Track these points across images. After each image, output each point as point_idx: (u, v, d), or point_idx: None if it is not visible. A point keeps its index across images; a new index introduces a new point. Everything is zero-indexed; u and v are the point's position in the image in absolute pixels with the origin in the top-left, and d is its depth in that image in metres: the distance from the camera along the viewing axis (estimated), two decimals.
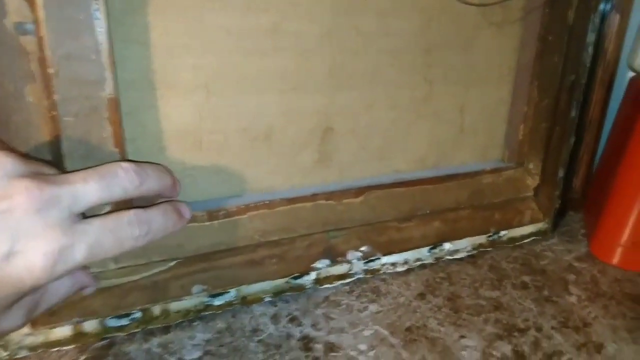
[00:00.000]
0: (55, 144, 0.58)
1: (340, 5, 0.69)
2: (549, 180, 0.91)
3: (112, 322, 0.70)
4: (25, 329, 0.65)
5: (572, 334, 0.74)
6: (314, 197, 0.74)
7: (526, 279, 0.88)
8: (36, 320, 0.64)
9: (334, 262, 0.80)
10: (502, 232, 0.93)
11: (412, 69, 0.77)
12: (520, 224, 0.93)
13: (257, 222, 0.71)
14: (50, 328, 0.66)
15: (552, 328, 0.75)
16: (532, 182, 0.90)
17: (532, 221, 0.93)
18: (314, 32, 0.68)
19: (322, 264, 0.79)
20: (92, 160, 0.60)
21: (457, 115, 0.84)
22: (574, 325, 0.76)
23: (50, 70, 0.55)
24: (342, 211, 0.76)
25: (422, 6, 0.74)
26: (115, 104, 0.59)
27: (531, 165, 0.89)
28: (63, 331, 0.67)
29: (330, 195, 0.75)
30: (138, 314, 0.71)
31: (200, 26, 0.63)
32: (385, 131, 0.79)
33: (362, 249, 0.81)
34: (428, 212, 0.82)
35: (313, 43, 0.69)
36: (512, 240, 0.95)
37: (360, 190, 0.77)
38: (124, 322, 0.71)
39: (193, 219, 0.68)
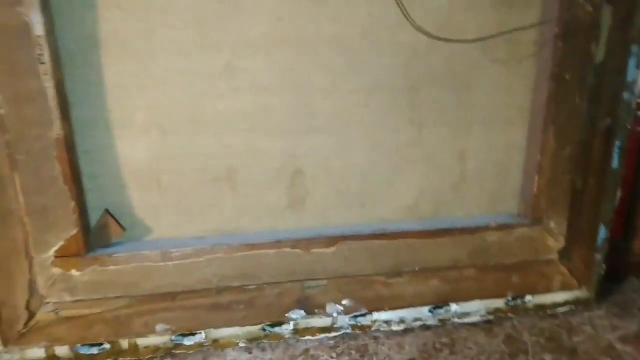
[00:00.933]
0: (12, 180, 0.58)
1: (303, 41, 0.61)
2: (583, 242, 0.71)
3: (83, 350, 0.67)
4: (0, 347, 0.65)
5: None
6: (277, 244, 0.65)
7: (547, 358, 0.68)
8: (7, 339, 0.64)
9: (311, 313, 0.69)
10: (527, 298, 0.74)
11: (393, 110, 0.65)
12: (548, 290, 0.73)
13: (214, 266, 0.64)
14: (22, 349, 0.65)
15: None
16: (555, 243, 0.71)
17: (564, 287, 0.73)
18: (272, 70, 0.61)
19: (296, 314, 0.69)
20: (45, 196, 0.59)
21: (456, 161, 0.70)
22: None
23: (1, 111, 0.55)
24: (311, 261, 0.66)
25: (402, 41, 0.63)
26: (63, 144, 0.57)
27: (552, 224, 0.70)
28: (36, 352, 0.66)
29: (296, 243, 0.66)
30: (107, 345, 0.67)
31: (153, 68, 0.60)
32: (363, 176, 0.68)
33: (344, 302, 0.70)
34: (417, 269, 0.68)
35: (272, 82, 0.62)
36: (541, 307, 0.76)
37: (331, 240, 0.66)
38: (94, 350, 0.67)
39: (147, 258, 0.63)
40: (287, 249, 0.65)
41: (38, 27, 0.53)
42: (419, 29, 0.60)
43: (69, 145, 0.58)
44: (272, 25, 0.60)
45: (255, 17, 0.59)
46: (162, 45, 0.58)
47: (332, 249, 0.67)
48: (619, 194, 0.72)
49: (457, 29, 0.63)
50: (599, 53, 0.64)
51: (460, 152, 0.69)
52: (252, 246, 0.65)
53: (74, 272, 0.61)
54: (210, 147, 0.63)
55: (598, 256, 0.73)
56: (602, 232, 0.72)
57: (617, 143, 0.69)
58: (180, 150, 0.63)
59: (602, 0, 0.62)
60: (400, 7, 0.60)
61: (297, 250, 0.66)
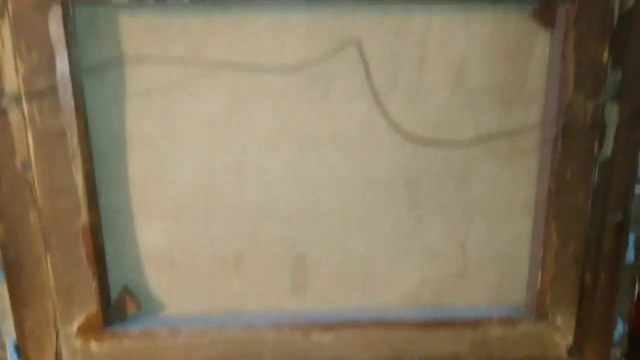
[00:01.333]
0: (46, 260, 0.65)
1: (304, 138, 0.64)
2: (596, 338, 0.68)
3: None
4: None
5: None
6: (277, 327, 0.67)
7: None
8: None
9: None
10: None
11: (391, 202, 0.67)
12: None
13: (219, 345, 0.68)
14: None
15: None
16: (563, 340, 0.68)
17: None
18: (276, 165, 0.65)
19: None
20: (71, 275, 0.65)
21: (457, 252, 0.69)
22: None
23: (40, 202, 0.62)
24: (310, 346, 0.68)
25: (400, 138, 0.64)
26: (89, 230, 0.63)
27: (559, 320, 0.67)
28: None
29: (295, 327, 0.67)
30: None
31: (171, 163, 0.66)
32: (363, 264, 0.69)
33: None
34: (417, 359, 0.67)
35: (276, 175, 0.65)
36: None
37: (330, 326, 0.67)
38: None
39: (157, 335, 0.67)
40: (287, 333, 0.67)
41: (73, 129, 0.60)
42: (412, 140, 0.62)
43: (94, 231, 0.64)
44: (276, 125, 0.64)
45: (261, 118, 0.63)
46: (179, 144, 0.64)
47: (330, 335, 0.67)
48: (637, 288, 0.69)
49: (455, 128, 0.64)
50: (606, 150, 0.62)
51: (462, 243, 0.68)
52: (254, 328, 0.67)
53: (93, 344, 0.66)
54: (219, 233, 0.67)
55: (616, 352, 0.69)
56: (620, 327, 0.69)
57: (632, 237, 0.66)
58: (193, 236, 0.67)
59: (606, 99, 0.61)
60: (388, 119, 0.62)
61: (297, 335, 0.67)
